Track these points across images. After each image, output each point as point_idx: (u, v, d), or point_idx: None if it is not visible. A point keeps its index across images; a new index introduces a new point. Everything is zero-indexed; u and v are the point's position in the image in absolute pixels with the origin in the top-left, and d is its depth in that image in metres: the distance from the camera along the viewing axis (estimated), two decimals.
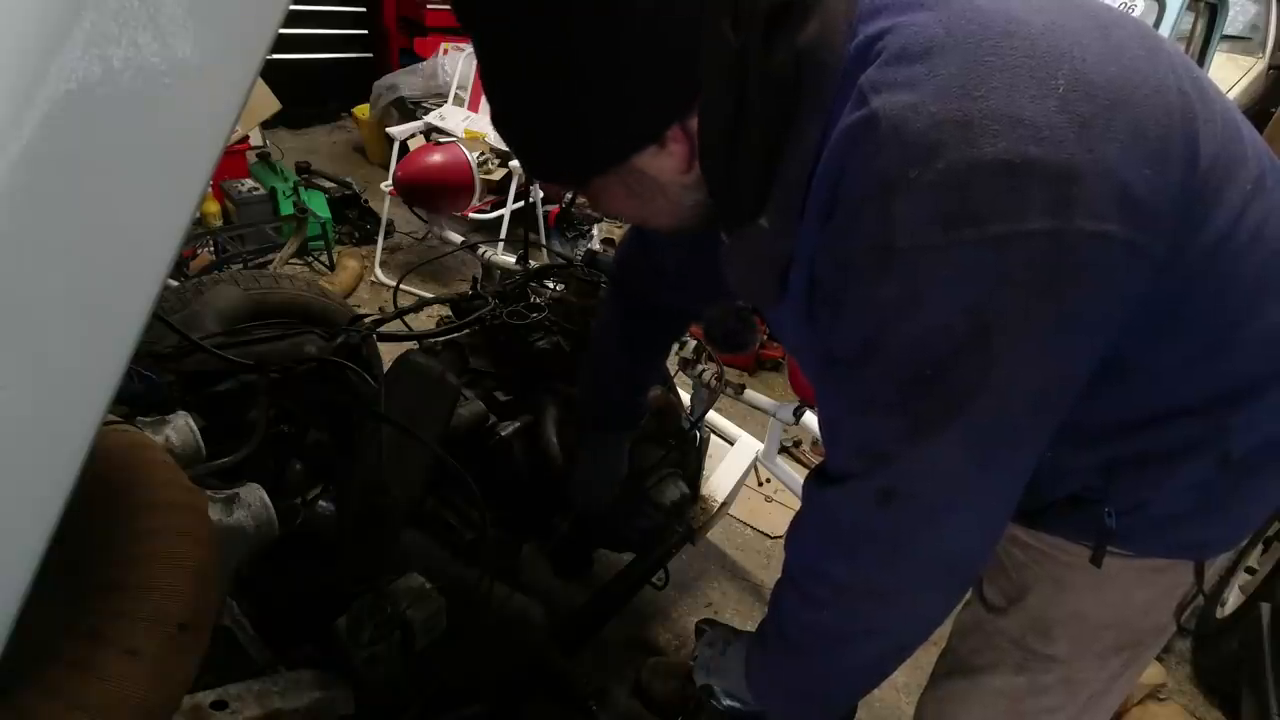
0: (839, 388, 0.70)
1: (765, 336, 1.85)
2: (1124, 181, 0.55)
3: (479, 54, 0.66)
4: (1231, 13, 3.65)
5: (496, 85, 0.66)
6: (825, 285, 0.66)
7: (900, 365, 0.62)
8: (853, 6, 0.62)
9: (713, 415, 2.01)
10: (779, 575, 0.87)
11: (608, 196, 0.73)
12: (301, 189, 3.59)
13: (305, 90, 4.88)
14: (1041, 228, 0.54)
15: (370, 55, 5.54)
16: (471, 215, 3.28)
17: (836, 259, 0.63)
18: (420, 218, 3.13)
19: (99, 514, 0.59)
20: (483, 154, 3.02)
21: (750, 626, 1.00)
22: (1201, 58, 3.40)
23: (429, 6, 5.17)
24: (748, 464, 1.98)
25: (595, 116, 0.63)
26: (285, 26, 0.46)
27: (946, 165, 0.54)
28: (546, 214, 3.64)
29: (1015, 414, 0.63)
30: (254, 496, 0.88)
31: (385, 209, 3.49)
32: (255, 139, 3.99)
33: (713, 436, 1.97)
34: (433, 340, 1.46)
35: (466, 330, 1.49)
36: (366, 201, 3.94)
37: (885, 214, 0.56)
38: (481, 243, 2.71)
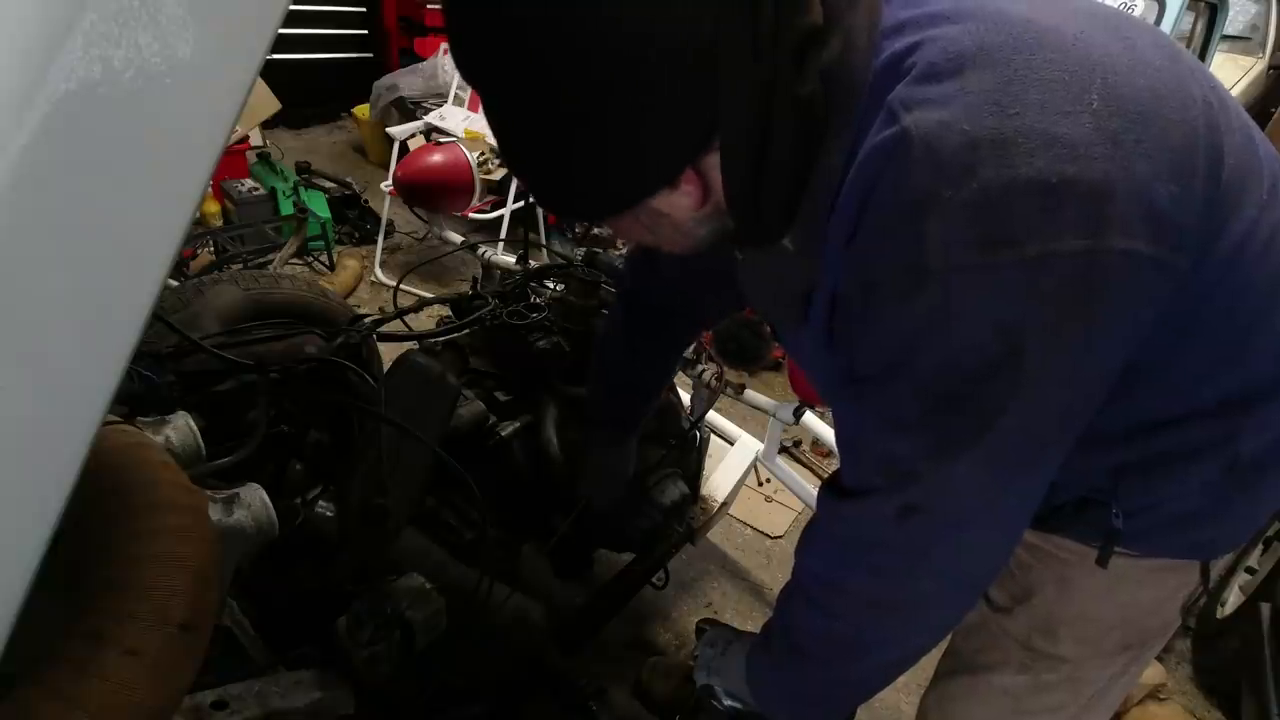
0: (861, 405, 0.69)
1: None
2: (1152, 198, 0.55)
3: (487, 107, 0.64)
4: (1231, 13, 3.65)
5: (507, 134, 0.65)
6: (850, 304, 0.66)
7: (928, 383, 0.61)
8: (875, 22, 0.61)
9: (713, 415, 2.01)
10: (780, 575, 0.88)
11: (622, 228, 0.74)
12: (301, 189, 3.59)
13: (305, 90, 4.87)
14: (1076, 247, 0.54)
15: (370, 55, 5.53)
16: (471, 215, 3.28)
17: (863, 278, 0.62)
18: (420, 218, 3.13)
19: (99, 514, 0.59)
20: (483, 154, 3.02)
21: (750, 626, 1.00)
22: (1201, 58, 3.40)
23: (429, 6, 5.17)
24: (748, 464, 1.98)
25: (606, 166, 0.62)
26: (285, 26, 0.46)
27: (981, 185, 0.53)
28: (546, 214, 3.64)
29: (1041, 430, 0.63)
30: (254, 496, 0.88)
31: (385, 209, 3.49)
32: (255, 139, 3.98)
33: (713, 436, 1.97)
34: (433, 340, 1.46)
35: (466, 330, 1.49)
36: (366, 201, 3.94)
37: (918, 234, 0.56)
38: (481, 243, 2.71)
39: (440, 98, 4.14)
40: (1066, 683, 0.89)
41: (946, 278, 0.56)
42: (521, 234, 2.05)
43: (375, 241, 3.58)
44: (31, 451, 0.41)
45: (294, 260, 3.17)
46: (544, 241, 3.41)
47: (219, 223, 3.52)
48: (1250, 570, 2.17)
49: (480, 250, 2.66)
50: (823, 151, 0.61)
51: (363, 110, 4.72)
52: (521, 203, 3.32)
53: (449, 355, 1.47)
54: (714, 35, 0.55)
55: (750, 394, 2.03)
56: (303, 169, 3.73)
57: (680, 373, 1.85)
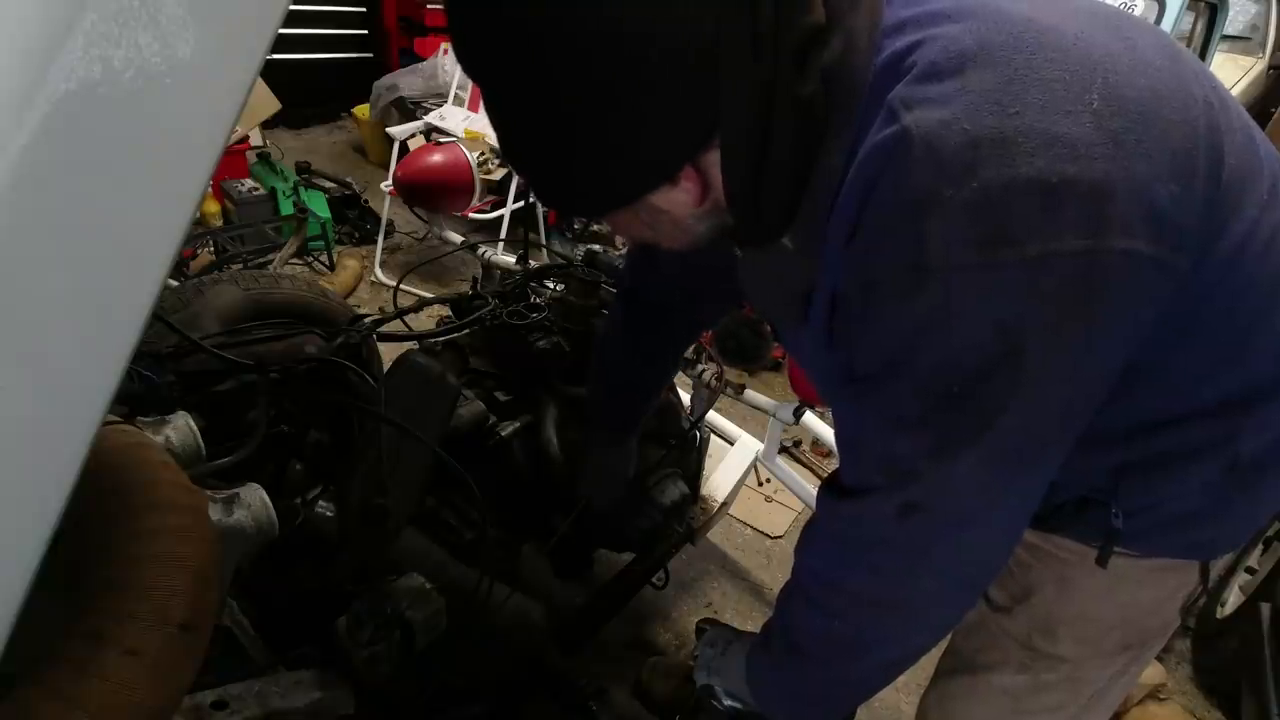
0: (861, 404, 0.69)
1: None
2: (1153, 199, 0.55)
3: (487, 102, 0.65)
4: (1231, 13, 3.65)
5: (508, 131, 0.66)
6: (850, 303, 0.66)
7: (928, 382, 0.61)
8: (876, 22, 0.61)
9: (713, 415, 2.01)
10: (780, 575, 0.88)
11: (621, 224, 0.74)
12: (301, 189, 3.59)
13: (305, 90, 4.87)
14: (1076, 247, 0.54)
15: (370, 55, 5.53)
16: (471, 215, 3.28)
17: (863, 277, 0.62)
18: (420, 218, 3.13)
19: (99, 514, 0.59)
20: (483, 154, 3.02)
21: (750, 626, 1.00)
22: (1202, 58, 3.40)
23: (429, 6, 5.17)
24: (748, 464, 1.98)
25: (607, 163, 0.63)
26: (285, 26, 0.46)
27: (982, 185, 0.53)
28: (546, 214, 3.64)
29: (1041, 429, 0.63)
30: (254, 496, 0.88)
31: (385, 209, 3.49)
32: (255, 139, 3.98)
33: (713, 436, 1.97)
34: (433, 340, 1.46)
35: (466, 330, 1.49)
36: (366, 201, 3.94)
37: (918, 233, 0.56)
38: (481, 243, 2.71)
39: (440, 98, 4.14)
40: (1066, 682, 0.89)
41: (947, 277, 0.56)
42: (521, 234, 2.05)
43: (375, 241, 3.58)
44: (31, 451, 0.41)
45: (294, 260, 3.17)
46: (544, 241, 3.41)
47: (219, 223, 3.52)
48: (1250, 570, 2.17)
49: (480, 250, 2.66)
50: (823, 151, 0.61)
51: (363, 110, 4.72)
52: (521, 203, 3.32)
53: (449, 355, 1.47)
54: (715, 35, 0.55)
55: (750, 394, 2.03)
56: (303, 169, 3.73)
57: (680, 373, 1.85)
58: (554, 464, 1.43)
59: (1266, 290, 0.67)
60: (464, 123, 3.48)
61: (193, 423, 0.94)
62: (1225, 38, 3.88)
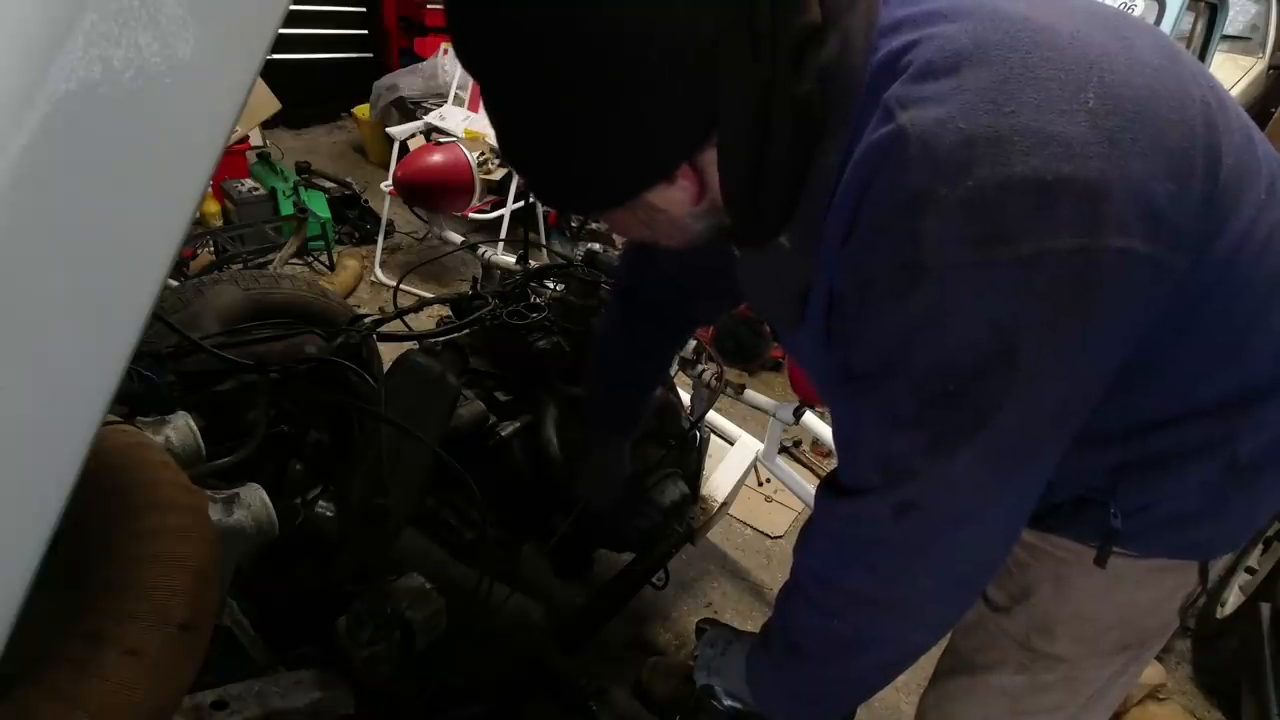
0: (858, 403, 0.69)
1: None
2: (1149, 197, 0.55)
3: (486, 100, 0.65)
4: (1231, 13, 3.65)
5: (507, 129, 0.66)
6: (846, 302, 0.66)
7: (924, 381, 0.62)
8: (873, 22, 0.61)
9: (713, 415, 2.01)
10: (780, 575, 0.88)
11: (619, 223, 0.74)
12: (301, 189, 3.59)
13: (305, 90, 4.88)
14: (1071, 246, 0.54)
15: (370, 55, 5.54)
16: (471, 215, 3.28)
17: (860, 276, 0.62)
18: (420, 218, 3.13)
19: (99, 514, 0.59)
20: (483, 154, 3.02)
21: (750, 626, 1.00)
22: (1201, 58, 3.40)
23: (429, 6, 5.17)
24: (748, 464, 1.98)
25: (605, 161, 0.63)
26: (285, 26, 0.46)
27: (977, 183, 0.53)
28: (546, 214, 3.64)
29: (1037, 428, 0.63)
30: (254, 496, 0.88)
31: (385, 209, 3.49)
32: (255, 139, 3.99)
33: (713, 436, 1.97)
34: (433, 340, 1.47)
35: (466, 330, 1.49)
36: (366, 201, 3.94)
37: (913, 232, 0.56)
38: (481, 243, 2.71)
39: (440, 98, 4.14)
40: (1064, 682, 0.89)
41: (942, 275, 0.56)
42: (521, 234, 2.05)
43: (375, 241, 3.58)
44: (31, 451, 0.41)
45: (294, 260, 3.17)
46: (544, 241, 3.41)
47: (219, 223, 3.52)
48: (1250, 570, 2.17)
49: (480, 250, 2.66)
50: (820, 150, 0.62)
51: (363, 110, 4.72)
52: (521, 203, 3.33)
53: (449, 355, 1.47)
54: (714, 35, 0.55)
55: (750, 394, 2.03)
56: (303, 169, 3.73)
57: (680, 373, 1.85)
58: (554, 464, 1.43)
59: (1264, 290, 0.67)
60: (464, 123, 3.49)
61: (193, 423, 0.94)
62: (1225, 38, 3.89)
